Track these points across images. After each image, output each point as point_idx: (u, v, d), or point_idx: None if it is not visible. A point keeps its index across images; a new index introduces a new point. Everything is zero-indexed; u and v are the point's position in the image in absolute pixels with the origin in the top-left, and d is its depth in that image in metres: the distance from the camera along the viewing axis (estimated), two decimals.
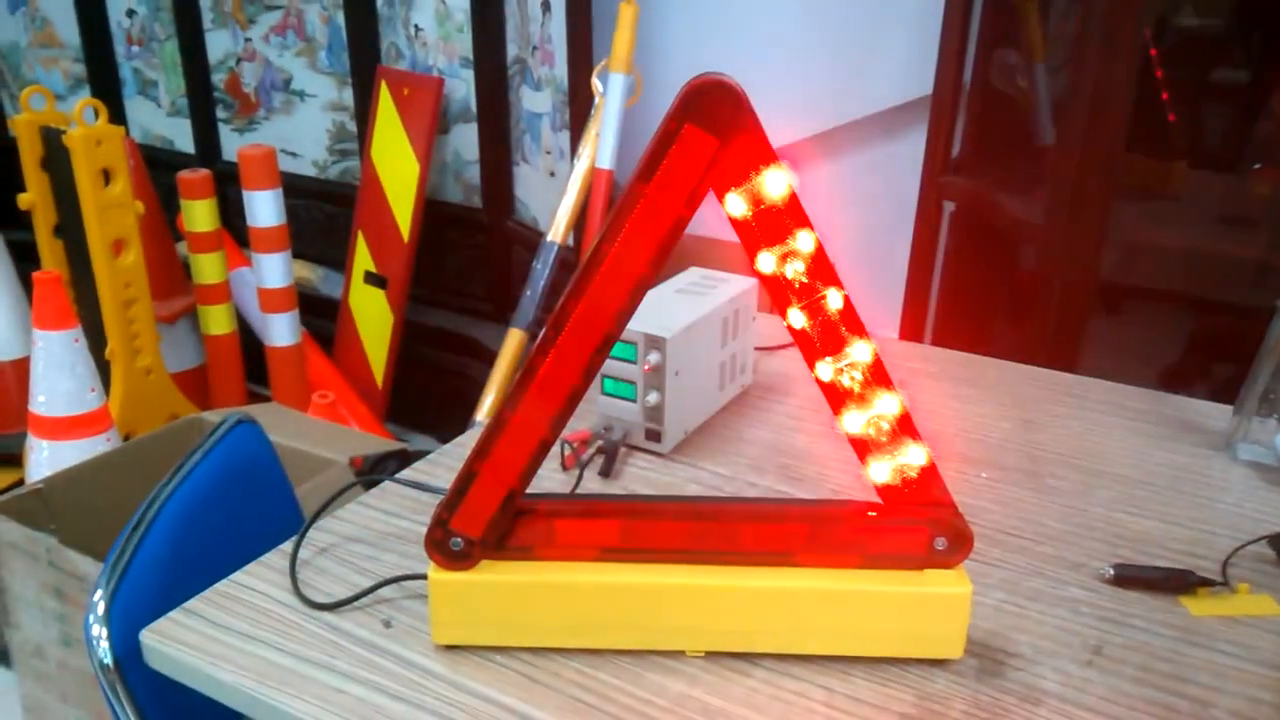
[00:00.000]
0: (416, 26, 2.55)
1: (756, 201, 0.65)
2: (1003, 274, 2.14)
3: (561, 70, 2.20)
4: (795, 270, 0.67)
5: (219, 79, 2.96)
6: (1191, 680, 0.72)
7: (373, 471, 1.66)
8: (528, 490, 0.73)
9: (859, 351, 0.69)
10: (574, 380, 0.69)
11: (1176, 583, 0.82)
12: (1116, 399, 1.16)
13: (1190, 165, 2.05)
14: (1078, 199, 1.74)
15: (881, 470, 0.71)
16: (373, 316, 2.61)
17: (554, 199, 2.20)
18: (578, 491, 0.95)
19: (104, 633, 0.77)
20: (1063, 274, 1.79)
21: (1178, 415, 1.12)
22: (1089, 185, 1.73)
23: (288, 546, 0.85)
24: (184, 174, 2.28)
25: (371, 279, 2.60)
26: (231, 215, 2.52)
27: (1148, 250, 2.01)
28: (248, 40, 2.85)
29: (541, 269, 2.17)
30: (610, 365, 1.00)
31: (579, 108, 2.18)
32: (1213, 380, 2.11)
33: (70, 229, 2.17)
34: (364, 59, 2.65)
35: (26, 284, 2.05)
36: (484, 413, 2.18)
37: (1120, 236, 1.88)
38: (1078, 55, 1.73)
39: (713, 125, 0.63)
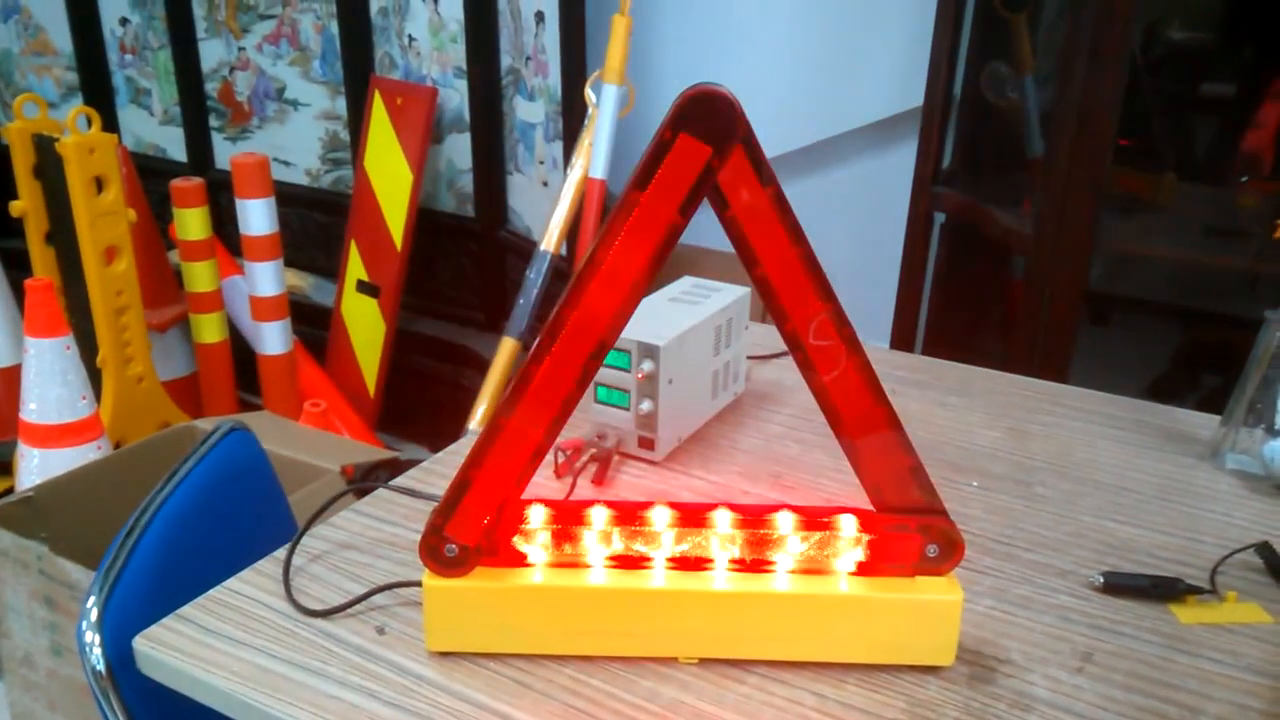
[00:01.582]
0: (410, 36, 2.55)
1: (750, 211, 0.66)
2: (992, 284, 2.15)
3: (555, 80, 2.21)
4: (789, 279, 0.68)
5: (212, 88, 2.97)
6: (1180, 687, 0.73)
7: (363, 480, 1.66)
8: (522, 497, 0.73)
9: (853, 360, 0.69)
10: (568, 388, 0.70)
11: (1165, 591, 0.82)
12: (1105, 408, 1.17)
13: (1178, 177, 2.07)
14: (1066, 210, 1.76)
15: (873, 478, 0.72)
16: (365, 325, 2.61)
17: (547, 208, 2.20)
18: (571, 499, 0.95)
19: (97, 639, 0.77)
20: (1052, 284, 1.80)
21: (1165, 425, 1.13)
22: (1078, 197, 1.75)
23: (281, 553, 0.85)
24: (176, 182, 2.28)
25: (364, 288, 2.60)
26: (224, 223, 2.52)
27: (1136, 261, 2.03)
28: (241, 49, 2.85)
29: (535, 278, 2.17)
30: (604, 373, 1.00)
31: (572, 118, 2.19)
32: (1200, 390, 2.12)
33: (62, 236, 2.17)
34: (357, 68, 2.65)
35: (18, 291, 2.04)
36: (476, 422, 2.18)
37: (1109, 247, 1.89)
38: (1067, 67, 1.75)
39: (707, 135, 0.64)
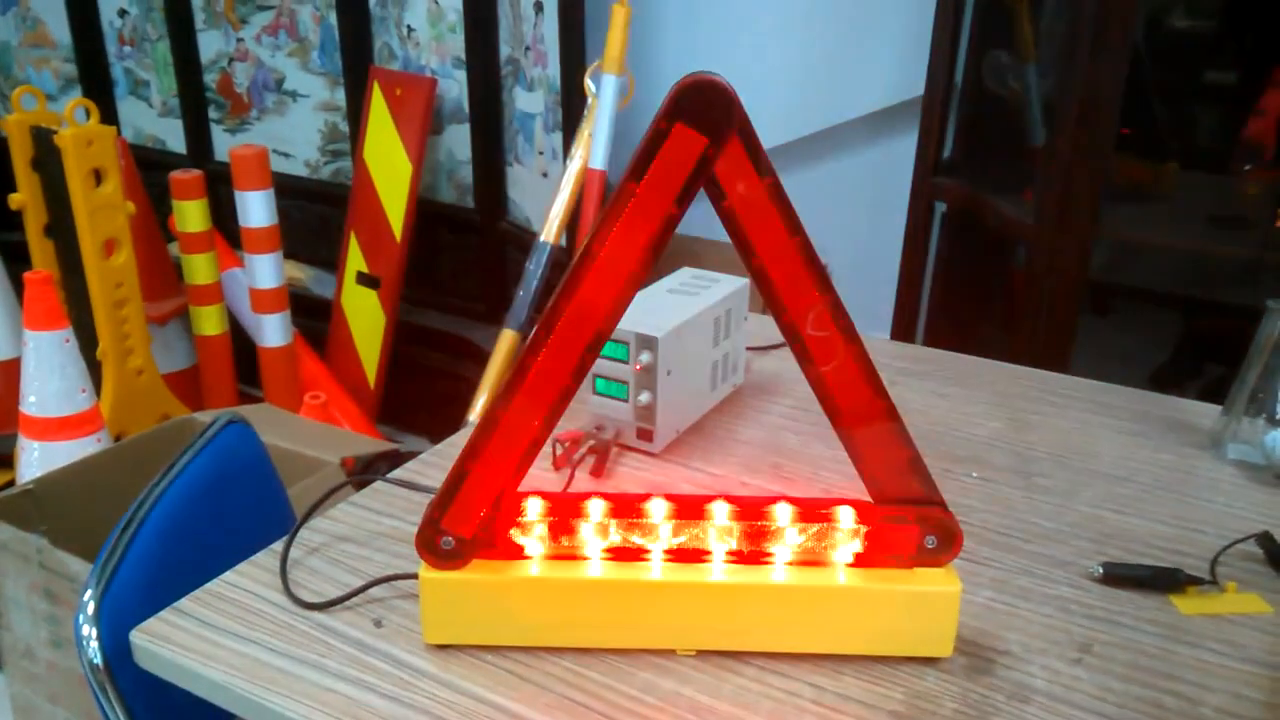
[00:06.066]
0: (409, 27, 2.54)
1: (747, 201, 0.66)
2: (993, 274, 2.15)
3: (554, 71, 2.20)
4: (787, 270, 0.67)
5: (211, 79, 2.96)
6: (1180, 678, 0.72)
7: (364, 472, 1.66)
8: (519, 490, 0.73)
9: (851, 351, 0.69)
10: (565, 379, 0.69)
11: (1165, 581, 0.82)
12: (1105, 399, 1.16)
13: (1180, 166, 2.06)
14: (1068, 199, 1.75)
15: (872, 469, 0.71)
16: (365, 317, 2.61)
17: (547, 199, 2.20)
18: (569, 491, 0.95)
19: (94, 632, 0.77)
20: (1053, 274, 1.80)
21: (1166, 415, 1.12)
22: (1079, 186, 1.74)
23: (278, 546, 0.85)
24: (176, 174, 2.27)
25: (364, 279, 2.60)
26: (223, 216, 2.52)
27: (1138, 251, 2.02)
28: (240, 40, 2.85)
29: (534, 269, 2.17)
30: (602, 365, 1.00)
31: (572, 108, 2.18)
32: (1201, 380, 2.12)
33: (61, 229, 2.17)
34: (356, 59, 2.64)
35: (17, 284, 2.04)
36: (476, 413, 2.18)
37: (1110, 237, 1.89)
38: (1068, 56, 1.74)
39: (703, 124, 0.63)
